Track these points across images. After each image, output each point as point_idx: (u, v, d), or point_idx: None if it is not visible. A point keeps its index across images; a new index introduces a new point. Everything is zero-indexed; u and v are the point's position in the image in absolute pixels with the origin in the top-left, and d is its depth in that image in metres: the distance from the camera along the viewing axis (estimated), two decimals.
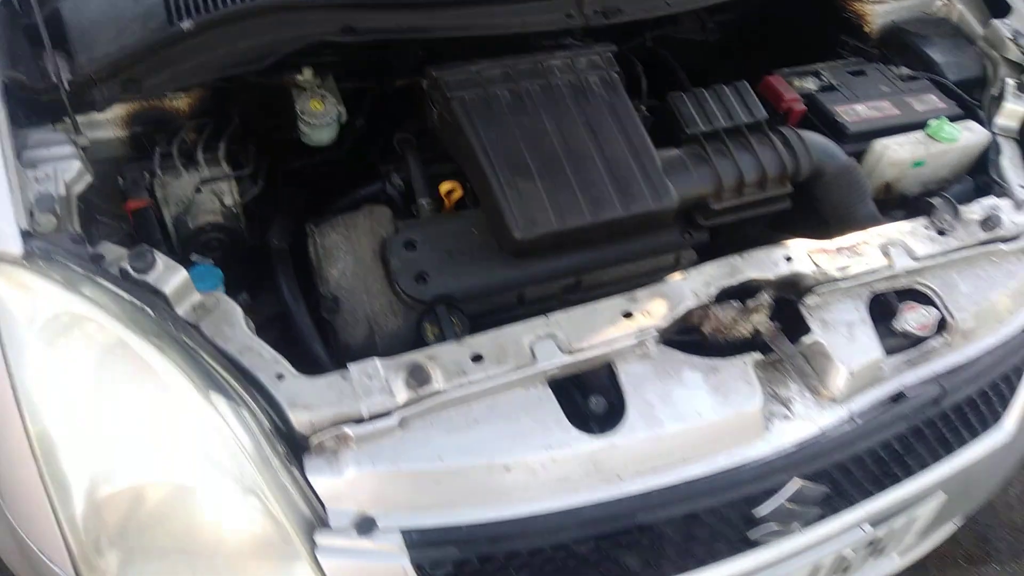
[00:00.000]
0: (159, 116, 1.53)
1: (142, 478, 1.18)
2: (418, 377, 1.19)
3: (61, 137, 1.38)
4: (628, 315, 1.32)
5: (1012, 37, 1.85)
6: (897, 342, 1.45)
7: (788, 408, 1.36)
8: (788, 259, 1.39)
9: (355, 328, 1.41)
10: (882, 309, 1.47)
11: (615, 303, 1.33)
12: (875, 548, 1.61)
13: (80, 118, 1.43)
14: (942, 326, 1.47)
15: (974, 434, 1.55)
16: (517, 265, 1.46)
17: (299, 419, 1.17)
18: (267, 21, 1.47)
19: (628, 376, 1.30)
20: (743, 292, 1.37)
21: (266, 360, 1.23)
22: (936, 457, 1.52)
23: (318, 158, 1.72)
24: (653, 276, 1.57)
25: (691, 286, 1.36)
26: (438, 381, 1.21)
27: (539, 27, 1.58)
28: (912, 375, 1.45)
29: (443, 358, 1.24)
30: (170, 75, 1.44)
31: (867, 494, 1.45)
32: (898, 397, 1.42)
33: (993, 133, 1.75)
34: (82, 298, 1.14)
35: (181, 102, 1.55)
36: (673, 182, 1.49)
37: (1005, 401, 1.58)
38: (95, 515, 1.18)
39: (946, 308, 1.48)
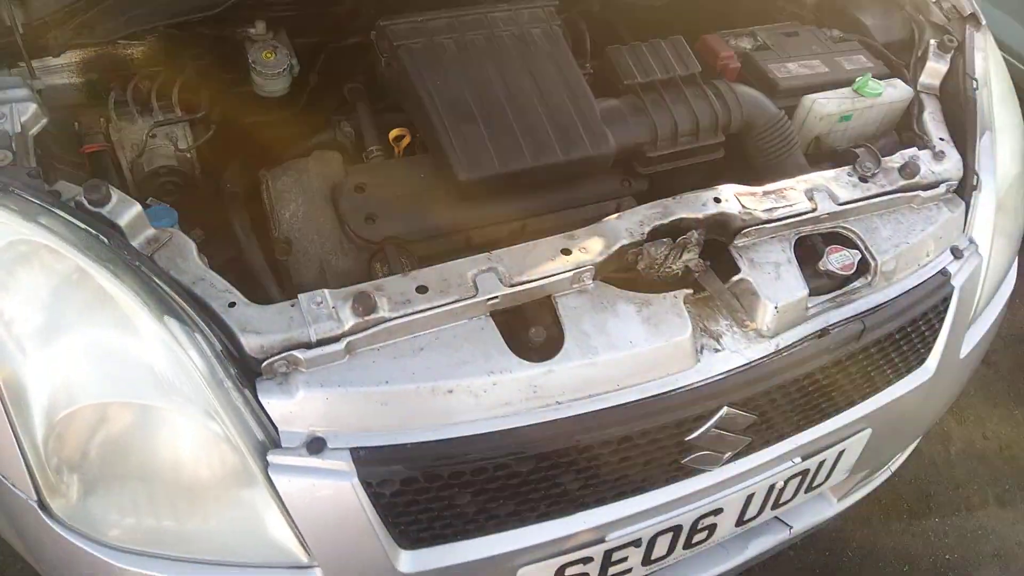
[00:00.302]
0: (114, 63, 1.57)
1: (101, 402, 1.22)
2: (364, 304, 1.25)
3: (16, 80, 1.41)
4: (567, 252, 1.39)
5: (935, 1, 1.95)
6: (822, 283, 1.55)
7: (718, 341, 1.45)
8: (717, 200, 1.47)
9: (307, 268, 1.47)
10: (808, 252, 1.57)
11: (555, 241, 1.40)
12: (806, 481, 1.71)
13: (36, 63, 1.46)
14: (864, 268, 1.57)
15: (898, 373, 1.67)
16: (464, 208, 1.53)
17: (250, 343, 1.22)
18: None
19: (566, 309, 1.37)
20: (675, 231, 1.45)
21: (218, 290, 1.28)
22: (862, 394, 1.63)
23: (274, 113, 1.76)
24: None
25: (625, 225, 1.44)
26: (384, 309, 1.27)
27: None
28: (837, 314, 1.54)
29: (389, 288, 1.30)
30: (124, 20, 1.47)
31: (795, 427, 1.56)
32: (823, 332, 1.52)
33: (917, 91, 1.85)
34: (39, 227, 1.18)
35: (136, 50, 1.58)
36: (611, 130, 1.56)
37: (927, 342, 1.69)
38: (56, 440, 1.23)
39: (868, 250, 1.57)
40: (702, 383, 1.40)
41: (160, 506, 1.28)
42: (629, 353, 1.35)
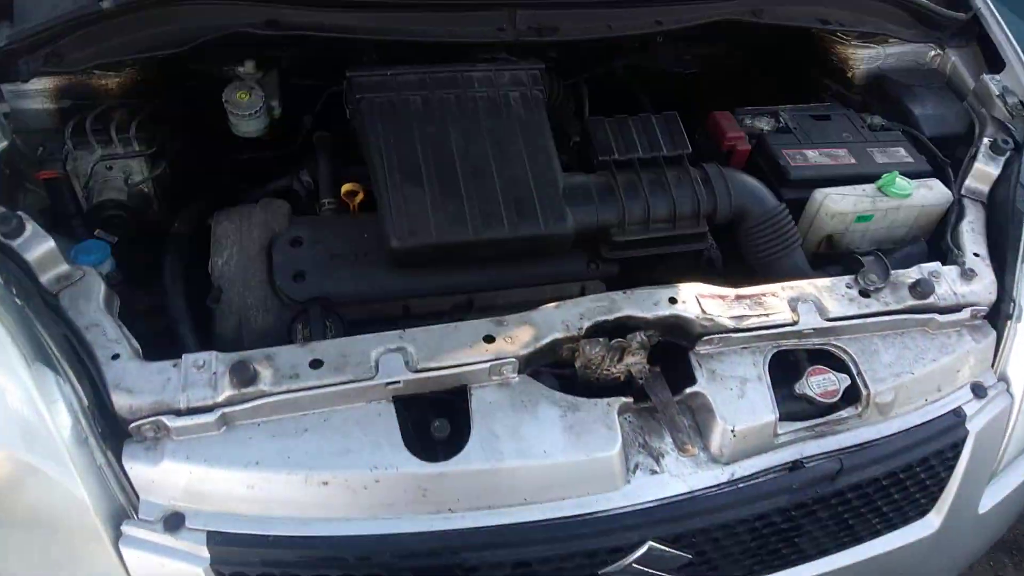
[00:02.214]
0: (87, 92, 1.56)
1: None
2: (241, 375, 1.14)
3: None
4: (490, 339, 1.24)
5: (1000, 94, 1.70)
6: (801, 407, 1.33)
7: (658, 461, 1.26)
8: (672, 300, 1.29)
9: (227, 321, 1.39)
10: (791, 368, 1.35)
11: (479, 325, 1.26)
12: None
13: (8, 87, 1.46)
14: (854, 396, 1.34)
15: (888, 524, 1.41)
16: (401, 275, 1.41)
17: (120, 402, 1.14)
18: (190, 8, 1.48)
19: (479, 403, 1.22)
20: (621, 330, 1.28)
21: (108, 338, 1.21)
22: (837, 543, 1.38)
23: (248, 153, 1.72)
24: None
25: (563, 316, 1.28)
26: (265, 382, 1.16)
27: (467, 38, 1.54)
28: (813, 445, 1.32)
29: (280, 359, 1.20)
30: (93, 52, 1.46)
31: (746, 574, 1.33)
32: (792, 466, 1.30)
33: (960, 196, 1.60)
34: None
35: (111, 81, 1.57)
36: (574, 208, 1.41)
37: (930, 492, 1.43)
38: None
39: (860, 376, 1.35)
40: (626, 509, 1.21)
41: (16, 557, 1.21)
42: (541, 463, 1.19)
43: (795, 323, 1.33)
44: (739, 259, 1.57)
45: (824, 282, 1.40)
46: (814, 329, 1.33)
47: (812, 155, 1.63)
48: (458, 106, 1.48)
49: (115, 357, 1.19)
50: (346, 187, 1.51)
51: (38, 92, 1.53)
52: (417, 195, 1.37)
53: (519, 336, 1.26)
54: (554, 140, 1.51)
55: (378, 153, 1.40)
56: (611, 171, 1.47)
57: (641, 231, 1.44)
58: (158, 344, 1.37)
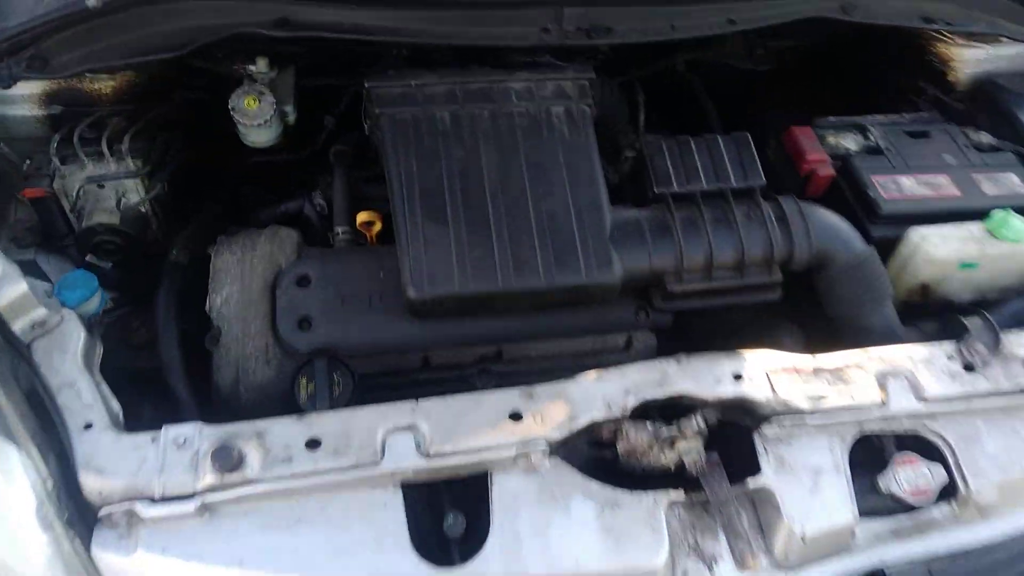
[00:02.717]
0: (78, 97, 1.39)
1: None
2: (223, 462, 0.98)
3: None
4: (516, 416, 1.06)
5: None
6: (884, 502, 1.12)
7: (710, 568, 1.06)
8: (737, 377, 1.08)
9: (225, 371, 1.23)
10: (872, 453, 1.14)
11: (505, 398, 1.08)
12: None
13: None
14: (950, 491, 1.12)
15: None
16: (421, 323, 1.23)
17: (89, 484, 1.00)
18: (190, 5, 1.29)
19: (503, 493, 1.04)
20: (673, 409, 1.08)
21: (82, 403, 1.07)
22: None
23: (262, 166, 1.54)
24: (598, 357, 1.31)
25: (604, 391, 1.08)
26: (253, 467, 1.00)
27: (505, 41, 1.32)
28: (898, 550, 1.11)
29: (272, 436, 1.03)
30: (81, 55, 1.29)
31: None
32: None
33: None
34: None
35: (104, 85, 1.40)
36: (623, 251, 1.20)
37: None
38: None
39: (959, 469, 1.12)
40: None
41: None
42: (570, 574, 1.01)
43: (884, 404, 1.11)
44: (805, 298, 1.34)
45: (920, 351, 1.17)
46: (907, 413, 1.11)
47: (908, 184, 1.38)
48: (492, 124, 1.27)
49: (88, 427, 1.05)
50: (362, 216, 1.32)
51: (24, 98, 1.38)
52: (440, 235, 1.18)
53: (551, 414, 1.07)
54: (604, 154, 1.29)
55: (398, 181, 1.21)
56: (668, 206, 1.25)
57: (701, 279, 1.23)
58: (156, 380, 1.23)
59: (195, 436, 1.03)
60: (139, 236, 1.39)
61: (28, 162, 1.38)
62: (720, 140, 1.31)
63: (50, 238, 1.41)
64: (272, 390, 1.21)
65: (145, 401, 1.24)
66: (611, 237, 1.21)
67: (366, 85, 1.30)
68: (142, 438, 1.04)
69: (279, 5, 1.31)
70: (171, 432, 1.03)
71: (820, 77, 1.84)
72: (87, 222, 1.34)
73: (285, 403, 1.20)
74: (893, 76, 1.72)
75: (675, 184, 1.26)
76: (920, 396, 1.12)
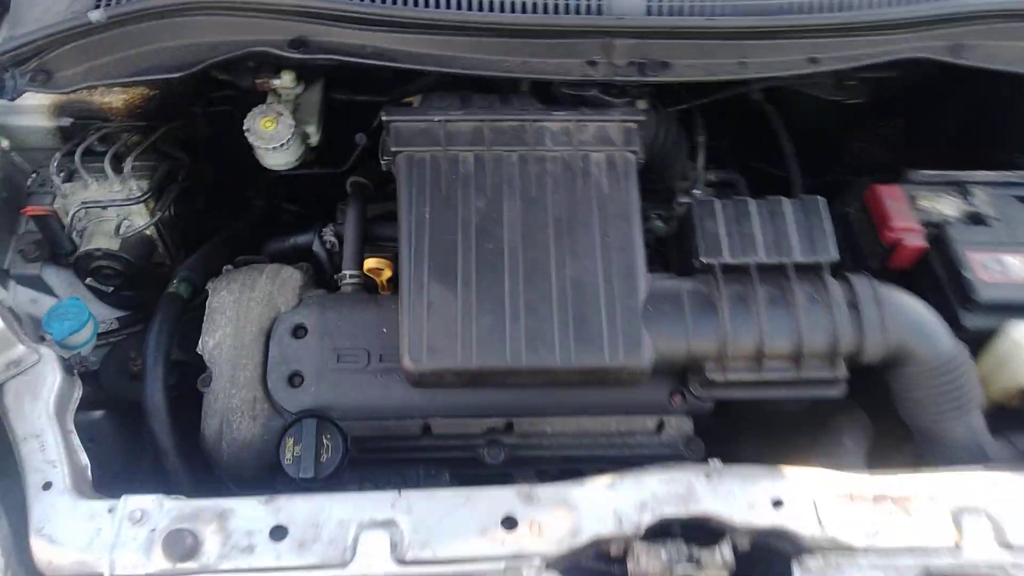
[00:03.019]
0: (88, 111, 1.32)
1: None
2: (175, 548, 0.88)
3: None
4: (511, 523, 0.91)
5: None
6: None
7: None
8: (777, 504, 0.91)
9: (210, 419, 1.13)
10: None
11: (501, 498, 0.93)
12: None
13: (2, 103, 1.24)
14: None
15: None
16: (423, 389, 1.09)
17: (39, 552, 0.93)
18: (200, 21, 1.19)
19: None
20: (696, 530, 0.92)
21: (45, 458, 0.99)
22: None
23: (281, 188, 1.44)
24: (625, 438, 1.16)
25: (617, 502, 0.92)
26: (209, 555, 0.89)
27: (544, 74, 1.16)
28: None
29: (236, 519, 0.92)
30: (85, 70, 1.21)
31: None
32: None
33: None
34: None
35: (116, 98, 1.32)
36: (656, 328, 1.03)
37: None
38: None
39: None
40: None
41: None
42: None
43: (957, 547, 0.91)
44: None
45: (1009, 481, 0.96)
46: (987, 564, 0.91)
47: (1015, 264, 1.15)
48: (520, 169, 1.12)
49: (47, 487, 0.96)
50: (370, 263, 1.19)
51: (33, 108, 1.32)
52: (447, 298, 1.04)
53: (551, 524, 0.92)
54: (655, 199, 1.13)
55: (408, 231, 1.08)
56: (716, 278, 1.07)
57: (748, 369, 1.05)
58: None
59: (154, 511, 0.93)
60: (141, 262, 1.30)
61: (34, 176, 1.32)
62: (786, 204, 1.12)
63: (56, 255, 1.34)
64: (256, 448, 1.11)
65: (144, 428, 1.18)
66: (644, 311, 1.04)
67: (383, 118, 1.17)
68: (99, 507, 0.95)
69: (297, 23, 1.20)
70: (129, 504, 0.94)
71: (923, 113, 1.60)
72: (85, 246, 1.26)
73: (269, 464, 1.10)
74: (1009, 120, 1.47)
75: (727, 253, 1.08)
76: (1004, 542, 0.92)
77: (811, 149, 1.55)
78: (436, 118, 1.15)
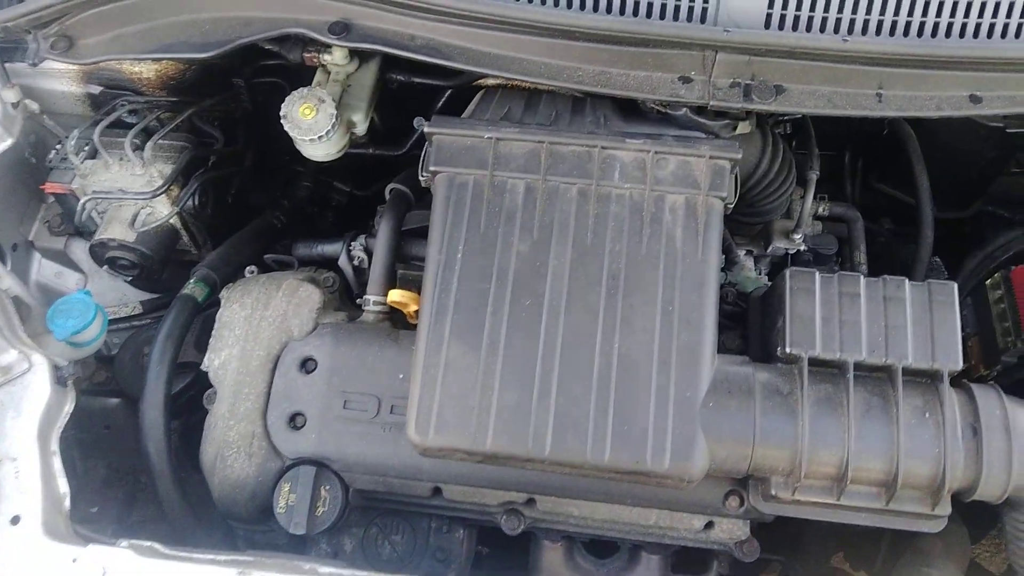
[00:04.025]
0: (117, 80, 1.20)
1: None
2: None
3: None
4: None
5: None
6: None
7: None
8: None
9: (207, 446, 1.04)
10: None
11: None
12: None
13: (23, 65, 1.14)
14: None
15: None
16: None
17: None
18: None
19: None
20: None
21: (18, 487, 0.91)
22: None
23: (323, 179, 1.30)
24: (666, 532, 0.99)
25: None
26: None
27: (624, 90, 0.95)
28: None
29: None
30: (109, 39, 1.08)
31: None
32: None
33: None
34: None
35: (146, 68, 1.20)
36: (715, 426, 0.85)
37: None
38: None
39: None
40: None
41: None
42: None
43: None
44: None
45: None
46: None
47: None
48: (578, 208, 0.93)
49: (15, 521, 0.88)
50: (394, 296, 1.03)
51: (60, 72, 1.21)
52: (467, 363, 0.88)
53: None
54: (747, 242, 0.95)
55: (435, 270, 0.92)
56: (800, 374, 0.86)
57: (824, 491, 0.85)
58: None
59: (110, 564, 0.83)
60: (161, 254, 1.20)
61: (55, 151, 1.22)
62: (907, 288, 0.89)
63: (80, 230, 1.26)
64: (250, 489, 1.00)
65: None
66: (704, 406, 0.85)
67: (424, 129, 0.99)
68: (65, 553, 0.86)
69: (342, 3, 1.03)
70: (93, 555, 0.85)
71: None
72: (100, 234, 1.17)
73: (261, 506, 1.00)
74: None
75: (819, 345, 0.87)
76: None
77: (952, 176, 1.28)
78: (486, 134, 0.97)
